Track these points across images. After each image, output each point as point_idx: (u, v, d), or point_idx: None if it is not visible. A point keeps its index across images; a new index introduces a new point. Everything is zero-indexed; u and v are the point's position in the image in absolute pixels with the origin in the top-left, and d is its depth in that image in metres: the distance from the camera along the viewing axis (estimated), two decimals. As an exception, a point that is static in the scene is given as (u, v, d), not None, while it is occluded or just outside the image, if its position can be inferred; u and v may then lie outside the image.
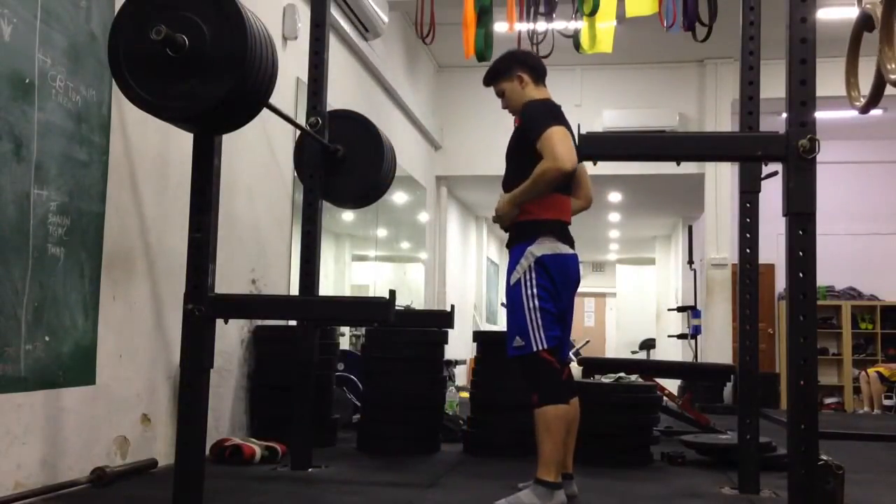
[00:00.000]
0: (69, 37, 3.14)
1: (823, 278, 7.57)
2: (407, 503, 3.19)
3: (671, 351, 12.72)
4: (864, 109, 2.53)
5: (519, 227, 3.23)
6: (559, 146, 3.02)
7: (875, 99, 2.43)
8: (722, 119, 9.09)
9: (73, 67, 3.17)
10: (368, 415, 4.67)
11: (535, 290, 3.11)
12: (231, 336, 4.43)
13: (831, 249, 7.20)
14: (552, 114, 3.18)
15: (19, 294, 2.87)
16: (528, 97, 3.31)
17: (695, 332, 8.94)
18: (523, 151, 3.18)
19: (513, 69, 3.35)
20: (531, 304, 3.11)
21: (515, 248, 3.21)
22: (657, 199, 11.89)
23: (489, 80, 3.43)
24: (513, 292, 3.17)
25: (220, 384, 4.28)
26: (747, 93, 3.58)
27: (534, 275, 3.12)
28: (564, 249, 3.20)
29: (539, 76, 3.38)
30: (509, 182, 3.28)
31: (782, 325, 10.52)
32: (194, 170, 2.71)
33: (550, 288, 3.13)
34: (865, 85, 2.52)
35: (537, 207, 3.17)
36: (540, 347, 3.09)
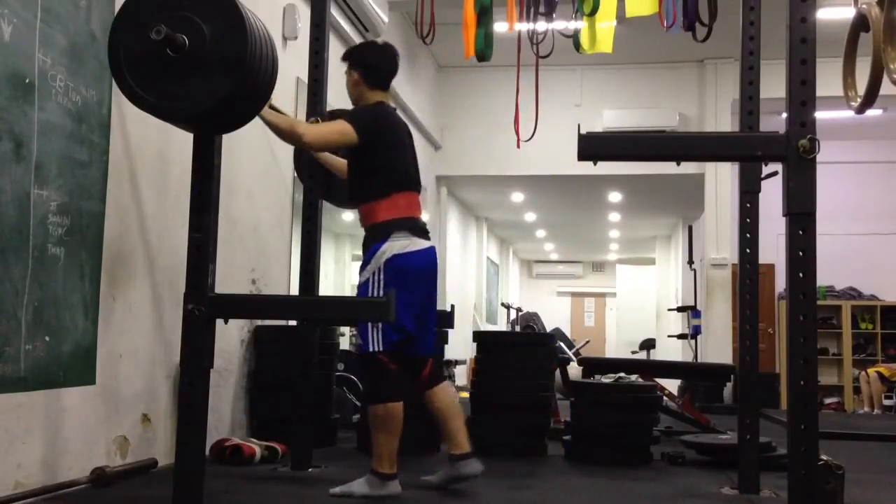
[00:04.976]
0: (69, 37, 3.14)
1: (823, 278, 7.56)
2: (407, 503, 3.19)
3: (671, 351, 12.71)
4: (860, 109, 2.54)
5: (372, 229, 3.25)
6: (323, 128, 3.22)
7: (870, 99, 2.43)
8: (722, 119, 9.09)
9: (73, 67, 3.17)
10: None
11: (380, 294, 3.13)
12: (231, 336, 4.43)
13: (831, 249, 7.17)
14: (370, 118, 3.26)
15: (19, 294, 2.87)
16: (358, 95, 3.39)
17: (695, 332, 8.93)
18: (354, 152, 3.28)
19: (352, 65, 3.40)
20: None
21: (369, 249, 3.23)
22: (657, 199, 11.89)
23: (345, 58, 3.46)
24: (360, 292, 3.22)
25: (220, 384, 4.28)
26: (747, 93, 3.58)
27: (381, 276, 3.15)
28: (419, 244, 3.23)
29: (377, 81, 3.39)
30: (352, 186, 3.35)
31: (782, 325, 10.52)
32: (194, 170, 2.71)
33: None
34: (863, 85, 2.52)
35: (384, 210, 3.21)
36: (376, 349, 3.14)
